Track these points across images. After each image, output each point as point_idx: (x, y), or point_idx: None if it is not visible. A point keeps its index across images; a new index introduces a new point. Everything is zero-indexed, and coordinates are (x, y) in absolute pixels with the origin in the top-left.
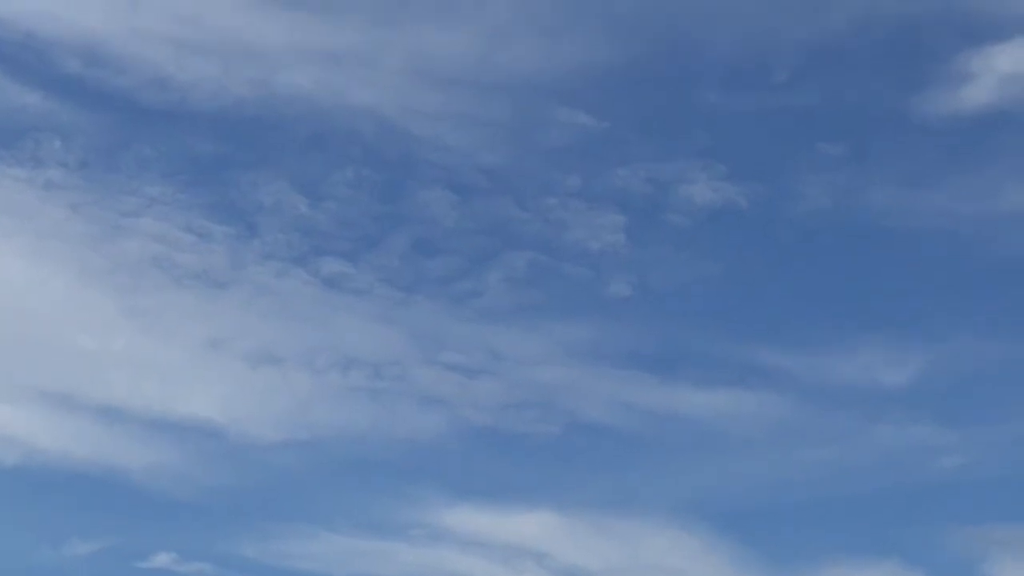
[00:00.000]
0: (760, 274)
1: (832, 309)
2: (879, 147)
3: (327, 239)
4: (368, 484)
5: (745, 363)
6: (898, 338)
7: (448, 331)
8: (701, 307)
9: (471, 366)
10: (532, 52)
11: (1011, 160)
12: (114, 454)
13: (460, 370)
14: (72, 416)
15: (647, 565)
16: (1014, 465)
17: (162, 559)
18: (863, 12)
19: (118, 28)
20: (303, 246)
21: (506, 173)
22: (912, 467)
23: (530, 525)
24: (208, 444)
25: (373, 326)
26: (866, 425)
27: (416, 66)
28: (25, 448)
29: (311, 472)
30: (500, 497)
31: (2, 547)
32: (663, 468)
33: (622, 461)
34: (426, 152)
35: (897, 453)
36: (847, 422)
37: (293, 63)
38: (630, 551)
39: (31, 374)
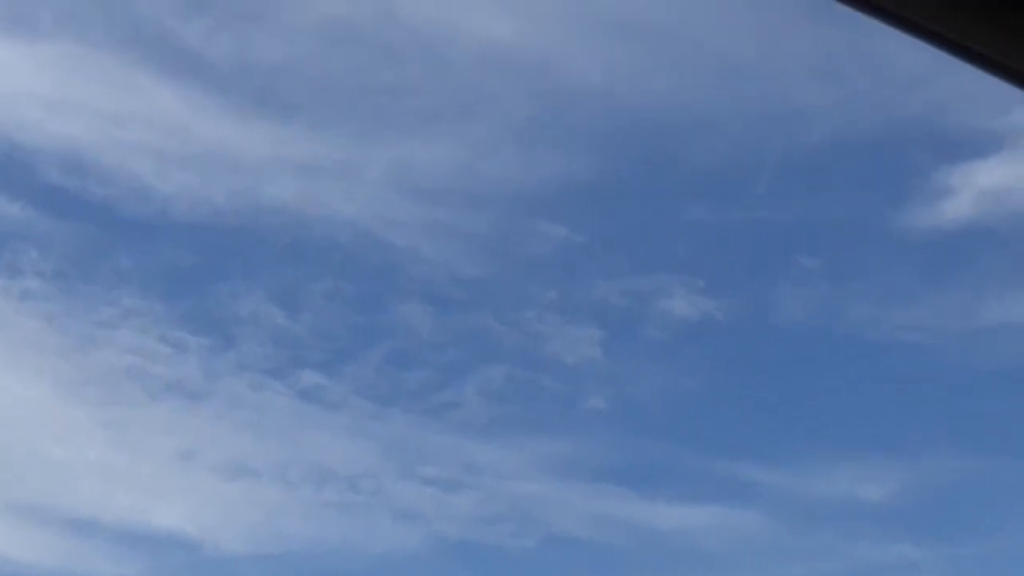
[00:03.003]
0: (738, 388)
1: (810, 423)
2: (858, 261)
3: (303, 351)
4: None
5: (723, 478)
6: (877, 453)
7: (424, 444)
8: (678, 421)
9: (447, 479)
10: (513, 165)
11: (990, 275)
12: (85, 566)
13: (436, 484)
14: (42, 527)
15: None
16: None
17: None
18: (842, 127)
19: (101, 138)
20: (279, 358)
21: (484, 285)
22: None
23: None
24: (180, 556)
25: (348, 439)
26: (845, 541)
27: (397, 178)
28: None
29: None
30: None
31: None
32: None
33: (598, 575)
34: (405, 264)
35: (876, 570)
36: (826, 538)
37: (275, 174)
38: None
39: (1, 485)
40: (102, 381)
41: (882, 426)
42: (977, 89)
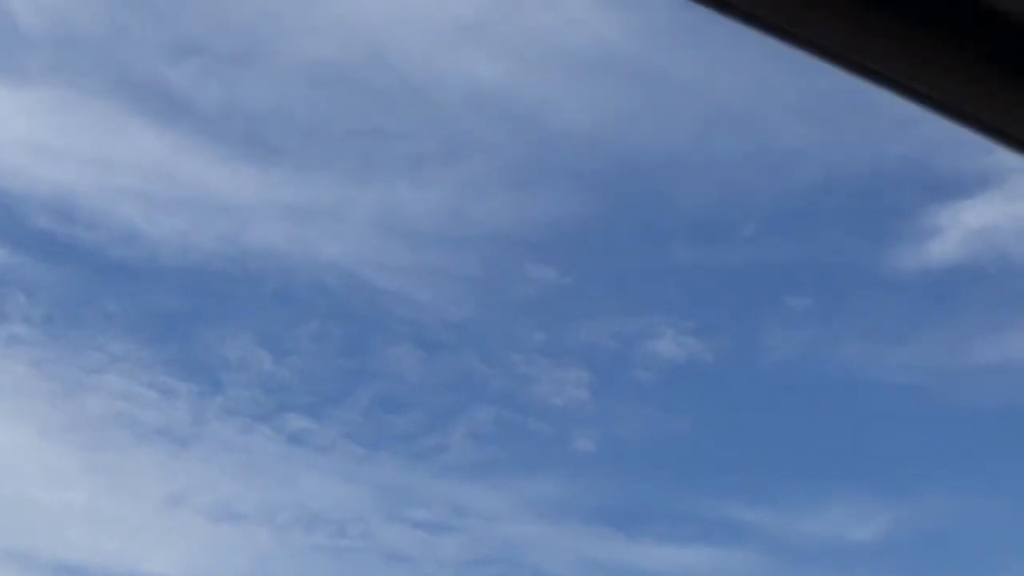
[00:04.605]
0: (727, 429)
1: (800, 463)
2: (847, 301)
3: (291, 395)
4: None
5: (712, 518)
6: (867, 493)
7: (412, 487)
8: (667, 462)
9: (435, 522)
10: (502, 208)
11: (979, 314)
12: None
13: (424, 527)
14: (29, 574)
15: None
16: None
17: None
18: (829, 169)
19: (89, 184)
20: (267, 402)
21: (472, 328)
22: None
23: None
24: None
25: (336, 483)
26: None
27: (385, 221)
28: None
29: None
30: None
31: None
32: None
33: None
34: (393, 307)
35: None
36: None
37: (262, 218)
38: None
39: None
40: (90, 426)
41: (871, 466)
42: (962, 130)
